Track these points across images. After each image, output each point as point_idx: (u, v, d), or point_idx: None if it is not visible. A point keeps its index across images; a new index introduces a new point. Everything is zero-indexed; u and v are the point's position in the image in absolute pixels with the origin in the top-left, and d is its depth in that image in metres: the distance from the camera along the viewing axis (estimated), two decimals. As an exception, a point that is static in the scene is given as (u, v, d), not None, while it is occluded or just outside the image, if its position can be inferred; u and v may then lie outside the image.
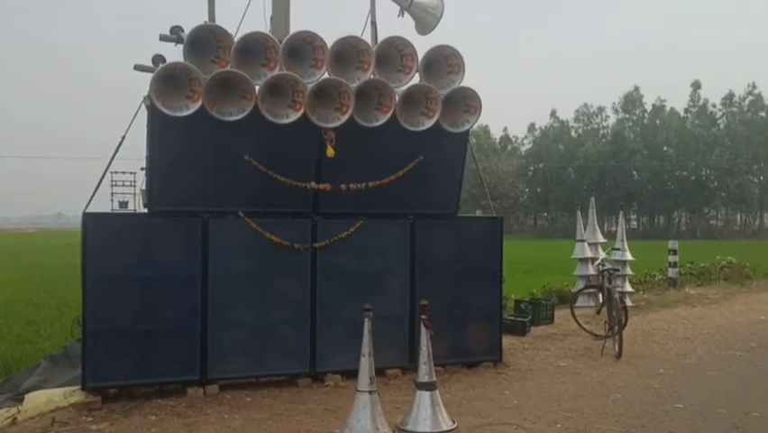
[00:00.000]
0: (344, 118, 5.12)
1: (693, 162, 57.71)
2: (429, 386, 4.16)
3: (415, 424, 4.08)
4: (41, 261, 21.76)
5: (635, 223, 59.85)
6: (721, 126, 58.87)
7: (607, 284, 7.44)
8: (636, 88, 61.73)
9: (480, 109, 5.61)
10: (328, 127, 5.15)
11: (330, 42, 5.09)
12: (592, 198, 11.00)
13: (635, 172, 59.00)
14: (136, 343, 4.93)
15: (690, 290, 12.12)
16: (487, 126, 65.68)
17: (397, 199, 5.64)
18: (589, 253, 10.26)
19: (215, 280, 5.11)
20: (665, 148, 59.20)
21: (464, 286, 5.95)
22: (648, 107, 61.51)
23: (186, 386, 4.99)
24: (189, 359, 5.02)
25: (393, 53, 5.42)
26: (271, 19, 6.30)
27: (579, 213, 11.16)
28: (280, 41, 5.03)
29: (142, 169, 5.70)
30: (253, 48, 5.00)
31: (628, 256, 10.41)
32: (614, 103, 62.83)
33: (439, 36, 6.10)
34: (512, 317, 7.94)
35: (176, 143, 5.00)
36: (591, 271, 9.88)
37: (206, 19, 5.69)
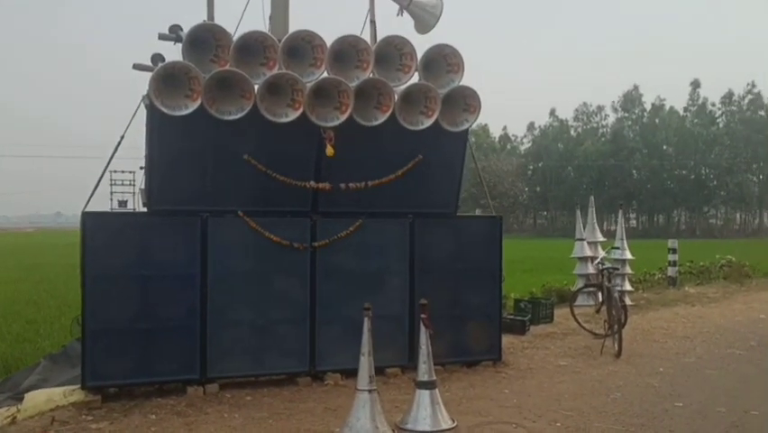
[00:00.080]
0: (344, 117, 5.12)
1: (692, 161, 57.73)
2: (429, 385, 4.16)
3: (414, 423, 4.07)
4: (41, 260, 21.74)
5: (634, 222, 59.88)
6: (720, 125, 58.89)
7: (606, 283, 7.44)
8: (636, 87, 61.83)
9: (480, 108, 5.61)
10: (327, 126, 5.15)
11: (329, 41, 5.08)
12: (591, 197, 10.99)
13: (634, 171, 59.03)
14: (136, 342, 4.93)
15: (690, 289, 12.12)
16: (486, 125, 65.76)
17: (396, 198, 5.64)
18: (588, 252, 10.26)
19: (215, 279, 5.10)
20: (665, 147, 59.21)
21: (464, 285, 5.95)
22: (647, 106, 61.60)
23: (185, 385, 4.99)
24: (189, 358, 5.02)
25: (392, 52, 5.41)
26: (270, 18, 6.29)
27: (578, 212, 11.16)
28: (279, 40, 5.03)
29: (142, 168, 5.71)
30: (252, 47, 4.99)
31: (628, 255, 10.41)
32: (613, 102, 62.92)
33: (438, 35, 6.10)
34: (511, 316, 7.94)
35: (175, 142, 4.99)
36: (591, 269, 9.87)
37: (205, 18, 5.69)
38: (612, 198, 49.34)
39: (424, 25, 6.39)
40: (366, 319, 4.04)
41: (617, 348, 6.51)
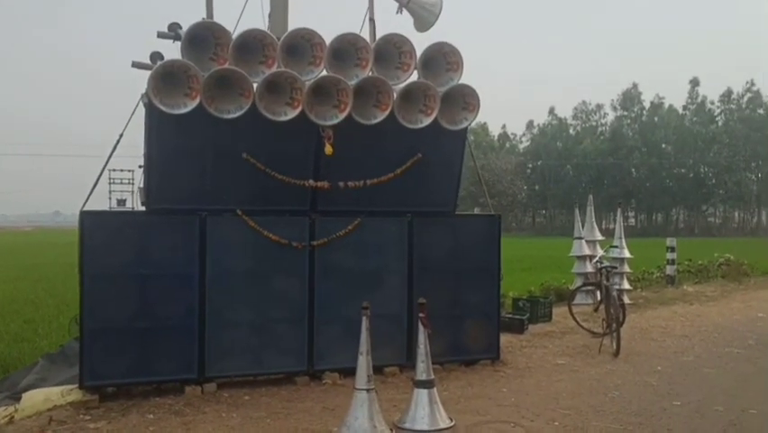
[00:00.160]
0: (342, 116, 5.11)
1: (691, 160, 57.77)
2: (427, 384, 4.14)
3: (412, 422, 4.06)
4: (39, 259, 21.70)
5: (633, 220, 59.95)
6: (719, 123, 58.93)
7: (605, 282, 7.44)
8: (635, 85, 61.87)
9: (479, 107, 5.61)
10: (326, 125, 5.14)
11: (328, 40, 5.07)
12: (590, 196, 11.00)
13: (633, 170, 59.04)
14: (134, 341, 4.92)
15: (688, 288, 12.14)
16: (485, 124, 65.78)
17: (395, 197, 5.63)
18: (587, 251, 10.26)
19: (213, 278, 5.10)
20: (663, 145, 59.24)
21: (462, 284, 5.94)
22: (647, 105, 61.63)
23: (183, 384, 4.98)
24: (187, 357, 5.02)
25: (391, 50, 5.40)
26: (269, 16, 6.28)
27: (577, 211, 11.16)
28: (278, 39, 5.01)
29: (140, 166, 5.69)
30: (251, 45, 4.98)
31: (626, 254, 10.42)
32: (612, 100, 62.97)
33: (437, 33, 6.09)
34: (510, 315, 7.95)
35: (174, 141, 4.98)
36: (589, 268, 9.87)
37: (204, 16, 5.67)
38: (611, 197, 49.28)
39: (423, 23, 6.37)
40: (364, 318, 4.03)
41: (615, 347, 6.52)
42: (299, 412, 4.58)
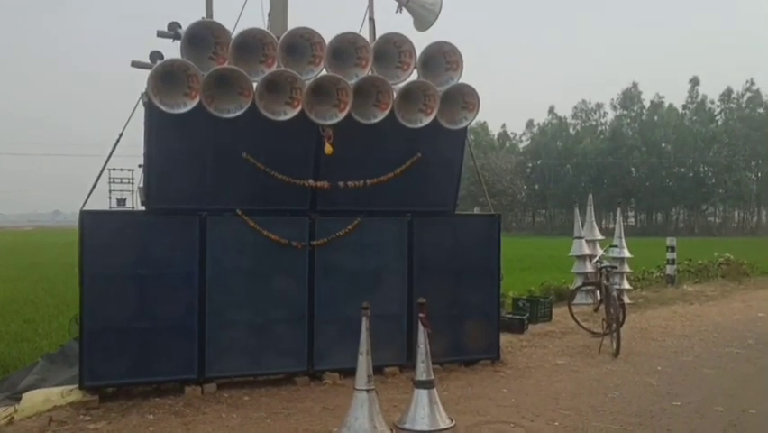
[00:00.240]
0: (342, 115, 5.10)
1: (691, 159, 57.78)
2: (427, 384, 4.14)
3: (412, 422, 4.06)
4: (39, 259, 21.69)
5: (632, 220, 59.97)
6: (719, 123, 58.94)
7: (604, 281, 7.44)
8: (635, 85, 61.89)
9: (479, 106, 5.60)
10: (326, 124, 5.13)
11: (328, 39, 5.06)
12: (590, 195, 10.99)
13: (633, 169, 59.06)
14: (134, 341, 4.92)
15: (688, 288, 12.14)
16: (485, 123, 65.81)
17: (394, 197, 5.63)
18: (586, 251, 10.26)
19: (213, 278, 5.09)
20: (663, 144, 59.25)
21: (462, 284, 5.94)
22: (646, 104, 61.64)
23: (183, 385, 4.97)
24: (187, 358, 5.01)
25: (391, 50, 5.39)
26: (269, 15, 6.27)
27: (577, 210, 11.15)
28: (278, 38, 5.00)
29: (140, 166, 5.68)
30: (251, 44, 4.97)
31: (626, 253, 10.42)
32: (612, 99, 63.03)
33: (437, 32, 6.08)
34: (510, 315, 7.94)
35: (173, 141, 4.97)
36: (589, 268, 9.87)
37: (204, 15, 5.66)
38: (611, 196, 49.33)
39: (423, 22, 6.36)
40: (364, 319, 4.02)
41: (615, 347, 6.51)
42: (299, 413, 4.57)
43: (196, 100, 4.73)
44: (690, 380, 5.56)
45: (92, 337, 4.79)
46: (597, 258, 8.79)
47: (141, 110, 5.09)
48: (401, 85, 5.40)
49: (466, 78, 5.53)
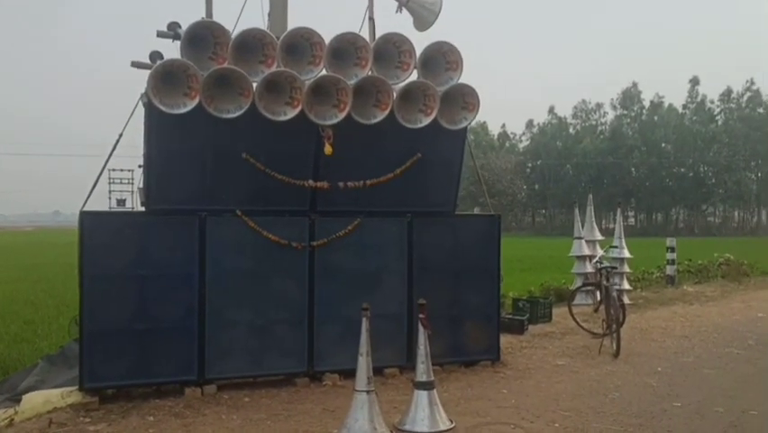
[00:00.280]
0: (342, 115, 5.10)
1: (691, 159, 57.79)
2: (427, 385, 4.15)
3: (412, 424, 4.06)
4: (39, 259, 21.69)
5: (632, 220, 59.97)
6: (719, 123, 58.95)
7: (604, 282, 7.43)
8: (635, 84, 61.88)
9: (478, 106, 5.59)
10: (326, 124, 5.13)
11: (328, 39, 5.06)
12: (590, 196, 10.98)
13: (633, 169, 59.07)
14: (134, 343, 4.91)
15: (688, 288, 12.13)
16: (485, 123, 65.80)
17: (394, 197, 5.62)
18: (586, 251, 10.26)
19: (213, 278, 5.08)
20: (663, 144, 59.26)
21: (462, 284, 5.93)
22: (646, 104, 61.63)
23: (183, 386, 4.97)
24: (187, 359, 5.00)
25: (391, 50, 5.39)
26: (269, 15, 6.26)
27: (576, 210, 11.15)
28: (278, 38, 5.00)
29: (140, 166, 5.67)
30: (251, 44, 4.97)
31: (626, 254, 10.41)
32: (612, 99, 63.01)
33: (437, 32, 6.08)
34: (510, 316, 7.94)
35: (173, 141, 4.96)
36: (589, 268, 9.86)
37: (204, 15, 5.65)
38: (611, 196, 49.33)
39: (422, 22, 6.35)
40: (364, 320, 4.02)
41: (615, 348, 6.50)
42: (299, 414, 4.56)
43: (196, 100, 4.73)
44: (690, 381, 5.55)
45: (92, 339, 4.78)
46: (597, 259, 8.78)
47: (140, 110, 5.08)
48: (401, 85, 5.39)
49: (466, 78, 5.54)
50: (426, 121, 5.43)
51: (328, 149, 5.14)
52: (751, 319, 8.88)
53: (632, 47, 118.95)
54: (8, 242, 39.69)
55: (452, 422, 4.15)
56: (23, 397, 4.76)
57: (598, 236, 10.59)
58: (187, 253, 5.06)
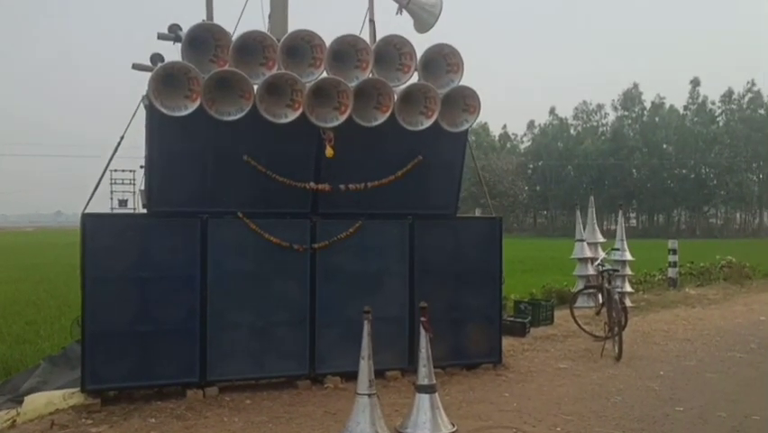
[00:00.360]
0: (343, 118, 5.09)
1: (692, 160, 57.68)
2: (428, 389, 4.14)
3: (414, 427, 4.05)
4: (41, 260, 21.72)
5: (634, 221, 59.87)
6: (720, 124, 58.83)
7: (606, 285, 7.42)
8: (635, 85, 61.78)
9: (479, 108, 5.58)
10: (327, 127, 5.12)
11: (328, 41, 5.05)
12: (591, 197, 10.96)
13: (634, 170, 58.99)
14: (135, 344, 4.91)
15: (690, 291, 12.10)
16: (486, 124, 65.73)
17: (396, 200, 5.62)
18: (588, 253, 10.24)
19: (214, 281, 5.08)
20: (665, 146, 59.16)
21: (464, 287, 5.92)
22: (647, 105, 61.52)
23: (185, 388, 4.96)
24: (188, 361, 5.00)
25: (392, 52, 5.38)
26: (269, 17, 6.26)
27: (578, 213, 11.13)
28: (279, 40, 5.00)
29: (142, 167, 5.68)
30: (251, 47, 4.96)
31: (628, 256, 10.38)
32: (613, 100, 62.85)
33: (437, 34, 6.07)
34: (511, 318, 7.92)
35: (174, 143, 4.96)
36: (591, 271, 9.85)
37: (204, 17, 5.65)
38: (612, 198, 49.33)
39: (423, 24, 6.35)
40: (366, 323, 4.02)
41: (617, 351, 6.49)
42: (301, 417, 4.56)
43: (197, 103, 4.73)
44: (692, 384, 5.53)
45: (94, 340, 4.79)
46: (598, 261, 8.78)
47: (142, 113, 5.09)
48: (402, 87, 5.38)
49: (467, 80, 5.53)
50: (427, 123, 5.43)
51: (329, 151, 5.13)
52: (753, 322, 8.85)
53: (632, 47, 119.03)
54: (10, 242, 39.76)
55: (453, 426, 4.14)
56: (25, 398, 4.77)
57: (600, 238, 10.58)
58: (188, 255, 5.06)
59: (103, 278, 4.85)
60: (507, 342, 6.65)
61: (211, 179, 5.16)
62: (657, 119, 60.24)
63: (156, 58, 5.34)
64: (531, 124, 69.06)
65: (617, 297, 7.04)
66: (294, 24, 5.91)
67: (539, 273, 14.84)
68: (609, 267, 7.94)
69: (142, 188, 5.75)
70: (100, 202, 5.96)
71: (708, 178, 58.52)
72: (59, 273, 14.99)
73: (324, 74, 5.11)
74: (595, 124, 65.04)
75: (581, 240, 10.41)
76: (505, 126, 71.28)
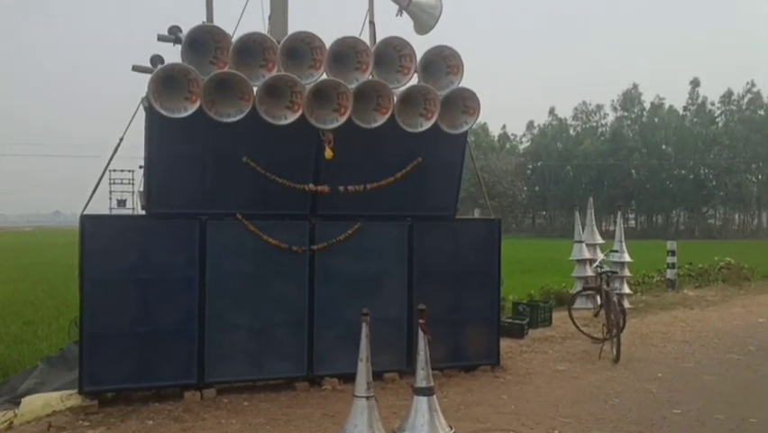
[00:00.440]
0: (343, 119, 5.09)
1: (692, 161, 57.72)
2: (426, 391, 4.13)
3: (412, 430, 4.04)
4: (39, 260, 21.70)
5: (633, 222, 59.90)
6: (720, 125, 58.87)
7: (605, 286, 7.43)
8: (635, 86, 61.80)
9: (479, 110, 5.58)
10: (326, 129, 5.12)
11: (328, 43, 5.05)
12: (590, 199, 10.96)
13: (633, 171, 59.02)
14: (134, 346, 4.90)
15: (689, 292, 12.12)
16: (485, 124, 65.71)
17: (395, 201, 5.62)
18: (587, 255, 10.24)
19: (213, 282, 5.08)
20: (664, 146, 59.19)
21: (462, 288, 5.92)
22: (647, 105, 61.57)
23: (183, 390, 4.96)
24: (187, 362, 5.00)
25: (391, 53, 5.38)
26: (269, 19, 6.25)
27: (577, 214, 11.13)
28: (278, 42, 5.00)
29: (141, 167, 5.67)
30: (251, 48, 4.96)
31: (626, 258, 10.40)
32: (612, 101, 62.88)
33: (437, 36, 6.07)
34: (510, 320, 7.93)
35: (174, 145, 4.96)
36: (589, 272, 9.85)
37: (204, 19, 5.65)
38: (611, 198, 49.32)
39: (423, 26, 6.35)
40: (364, 325, 4.01)
41: (615, 353, 6.49)
42: (299, 419, 4.56)
43: (197, 104, 4.72)
44: (690, 387, 5.54)
45: (92, 342, 4.78)
46: (597, 263, 8.77)
47: (141, 114, 5.08)
48: (402, 89, 5.38)
49: (466, 82, 5.53)
50: (427, 125, 5.43)
51: (329, 153, 5.13)
52: (751, 324, 8.86)
53: (632, 47, 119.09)
54: (8, 242, 39.71)
55: (451, 428, 4.13)
56: (23, 400, 4.77)
57: (599, 240, 10.58)
58: (187, 256, 5.06)
59: (101, 279, 4.85)
60: (505, 344, 6.65)
61: (210, 180, 5.16)
62: (656, 120, 60.27)
63: (156, 59, 5.34)
64: (530, 125, 69.14)
65: (615, 298, 7.04)
66: (294, 26, 5.92)
67: (537, 274, 14.85)
68: (608, 269, 7.94)
69: (141, 189, 5.74)
70: (99, 202, 5.97)
71: (708, 179, 58.57)
72: (57, 273, 14.98)
73: (324, 76, 5.11)
74: (594, 124, 65.07)
75: (580, 241, 10.42)
76: (504, 126, 71.35)
